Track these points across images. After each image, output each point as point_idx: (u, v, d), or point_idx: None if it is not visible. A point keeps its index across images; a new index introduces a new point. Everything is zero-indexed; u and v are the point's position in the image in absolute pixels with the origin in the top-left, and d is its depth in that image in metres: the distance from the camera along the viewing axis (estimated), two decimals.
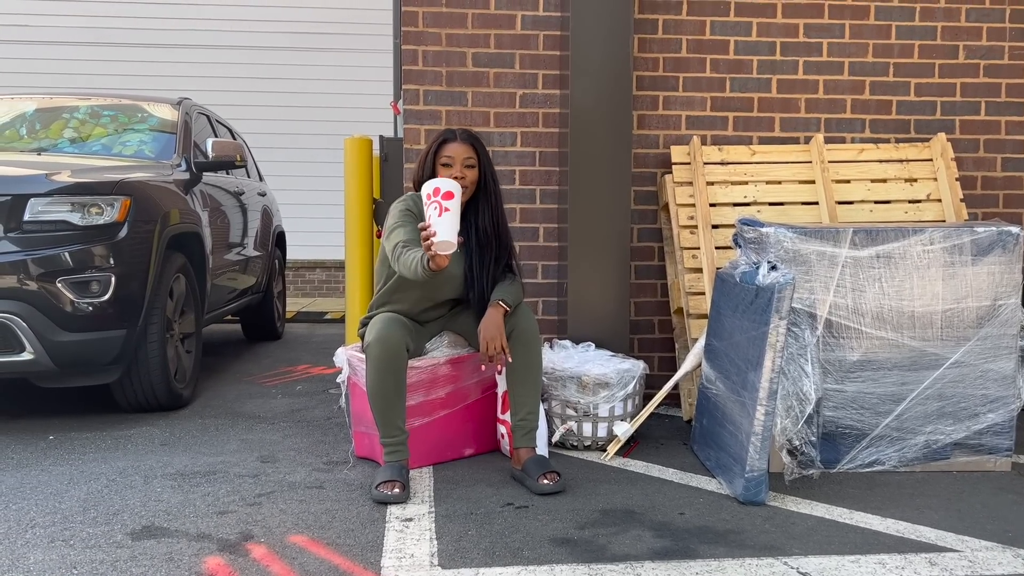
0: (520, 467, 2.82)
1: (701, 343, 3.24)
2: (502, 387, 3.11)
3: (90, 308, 3.41)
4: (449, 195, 2.52)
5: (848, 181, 3.85)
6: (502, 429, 3.14)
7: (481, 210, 2.94)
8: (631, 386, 3.21)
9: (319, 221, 8.96)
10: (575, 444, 3.24)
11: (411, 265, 2.65)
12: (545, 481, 2.71)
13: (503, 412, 3.11)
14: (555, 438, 3.25)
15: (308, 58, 9.21)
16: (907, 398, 2.95)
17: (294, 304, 8.73)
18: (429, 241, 2.48)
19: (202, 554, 2.24)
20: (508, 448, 3.07)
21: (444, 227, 2.48)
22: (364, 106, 8.87)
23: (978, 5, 4.10)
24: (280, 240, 6.53)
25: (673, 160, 3.85)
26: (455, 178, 2.81)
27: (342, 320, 7.47)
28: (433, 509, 2.59)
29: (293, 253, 8.57)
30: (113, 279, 3.45)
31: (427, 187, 2.55)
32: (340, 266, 9.47)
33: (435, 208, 2.51)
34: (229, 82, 9.07)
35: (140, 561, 2.19)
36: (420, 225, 2.54)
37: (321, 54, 9.22)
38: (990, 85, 4.15)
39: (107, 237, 3.47)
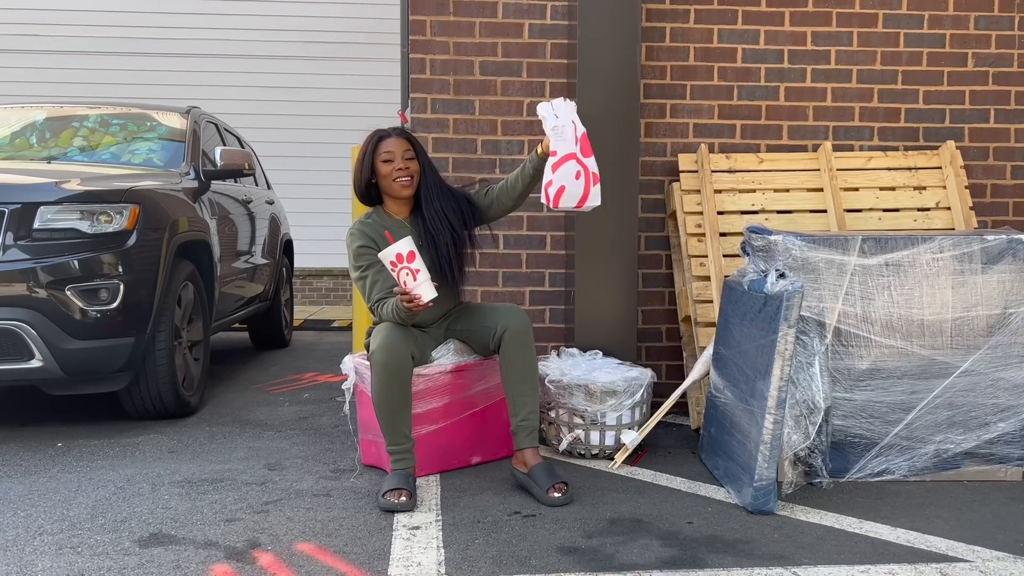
0: (526, 471, 2.81)
1: (709, 351, 3.23)
2: None
3: (99, 316, 3.42)
4: (412, 256, 2.66)
5: (857, 189, 3.84)
6: None
7: (426, 199, 3.00)
8: (639, 394, 3.20)
9: (327, 229, 8.99)
10: (582, 452, 3.23)
11: (392, 316, 2.80)
12: (555, 495, 2.70)
13: None
14: (562, 447, 3.24)
15: (316, 67, 9.25)
16: (917, 407, 2.93)
17: (301, 312, 8.75)
18: (414, 304, 2.65)
19: (209, 561, 2.24)
20: None
21: (424, 288, 2.67)
22: (372, 115, 8.87)
23: (987, 13, 4.09)
24: (288, 248, 6.55)
25: (681, 168, 3.85)
26: (399, 169, 2.91)
27: (349, 328, 7.48)
28: (440, 517, 2.58)
29: (301, 261, 8.59)
30: (122, 287, 3.47)
31: (387, 257, 2.68)
32: (347, 274, 9.49)
33: (407, 274, 2.66)
34: (237, 91, 9.12)
35: (147, 568, 2.19)
36: (401, 297, 2.67)
37: (329, 63, 9.26)
38: (999, 93, 4.13)
39: (116, 245, 3.48)
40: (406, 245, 2.67)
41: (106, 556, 2.28)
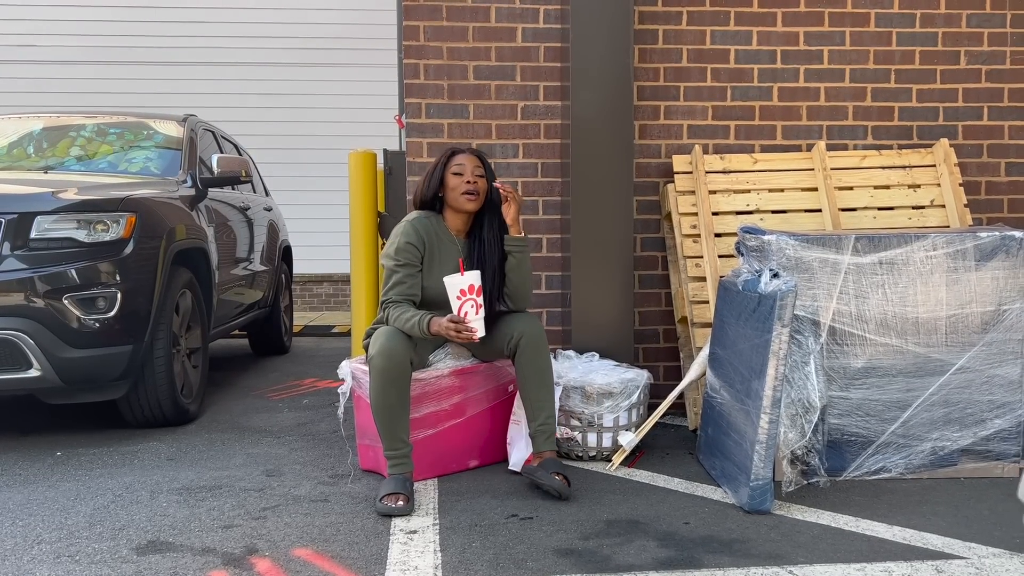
0: (537, 465, 2.86)
1: (705, 352, 3.23)
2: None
3: (96, 324, 3.42)
4: (480, 291, 2.76)
5: (851, 188, 3.85)
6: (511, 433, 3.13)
7: (487, 223, 3.02)
8: (636, 396, 3.20)
9: (325, 235, 9.00)
10: (580, 454, 3.24)
11: (408, 328, 2.80)
12: (558, 477, 2.75)
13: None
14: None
15: (313, 73, 9.27)
16: (912, 405, 2.94)
17: (301, 318, 8.75)
18: (465, 336, 2.72)
19: (207, 568, 2.25)
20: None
21: (480, 323, 2.77)
22: (369, 120, 8.91)
23: (979, 10, 4.10)
24: (286, 254, 6.56)
25: (675, 169, 3.86)
26: (467, 183, 2.93)
27: (349, 333, 7.48)
28: (437, 521, 2.58)
29: (300, 267, 8.60)
30: (119, 295, 3.47)
31: (462, 283, 2.74)
32: (347, 279, 9.50)
33: (471, 306, 2.75)
34: (234, 98, 9.14)
35: None
36: (456, 325, 2.70)
37: (326, 69, 9.27)
38: (992, 90, 4.14)
39: (113, 254, 3.49)
40: (478, 279, 2.76)
41: (104, 564, 2.28)
